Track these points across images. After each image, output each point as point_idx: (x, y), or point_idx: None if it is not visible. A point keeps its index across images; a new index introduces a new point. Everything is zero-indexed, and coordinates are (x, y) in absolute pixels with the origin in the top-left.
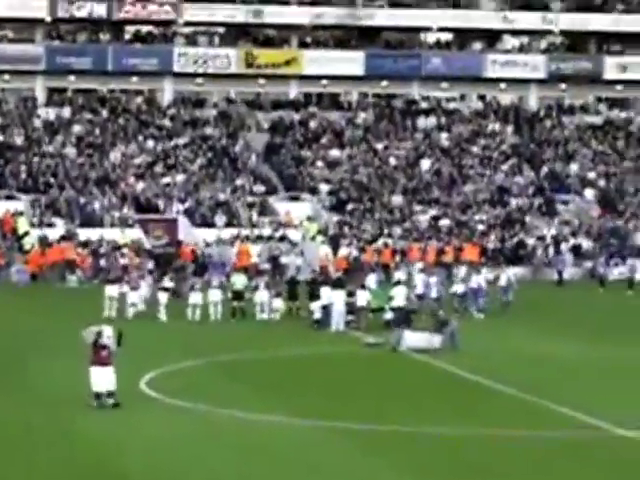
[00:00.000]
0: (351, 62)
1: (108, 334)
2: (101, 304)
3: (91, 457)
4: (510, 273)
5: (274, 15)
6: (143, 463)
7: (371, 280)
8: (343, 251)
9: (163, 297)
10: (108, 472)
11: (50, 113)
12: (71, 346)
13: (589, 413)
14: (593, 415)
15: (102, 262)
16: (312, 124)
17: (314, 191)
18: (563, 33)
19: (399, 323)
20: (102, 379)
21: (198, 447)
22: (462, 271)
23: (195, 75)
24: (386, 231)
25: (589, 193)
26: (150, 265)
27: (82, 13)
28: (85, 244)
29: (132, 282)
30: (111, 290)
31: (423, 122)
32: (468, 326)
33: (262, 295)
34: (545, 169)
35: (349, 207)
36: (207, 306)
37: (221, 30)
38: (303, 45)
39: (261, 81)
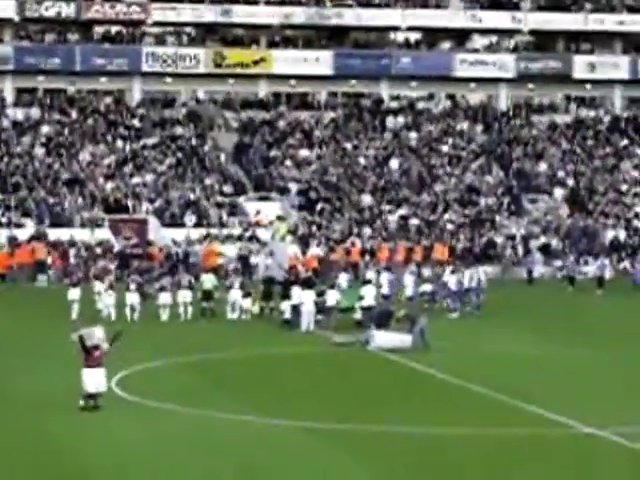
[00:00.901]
0: (320, 62)
1: (99, 335)
2: (68, 306)
3: (57, 456)
4: (482, 273)
5: (243, 15)
6: (110, 462)
7: (342, 279)
8: (313, 251)
9: (133, 298)
10: (72, 471)
11: (18, 113)
12: (43, 347)
13: (558, 411)
14: (563, 413)
15: (72, 262)
16: (281, 124)
17: (283, 191)
18: (532, 32)
19: (377, 323)
20: (93, 380)
21: (167, 447)
22: (447, 271)
23: (164, 75)
24: (355, 230)
25: (558, 192)
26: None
27: (50, 13)
28: (56, 245)
29: (110, 283)
30: (73, 293)
31: (392, 121)
32: (439, 325)
33: (235, 294)
34: (514, 168)
35: (318, 207)
36: (177, 306)
37: (190, 30)
38: (272, 45)
39: (230, 81)
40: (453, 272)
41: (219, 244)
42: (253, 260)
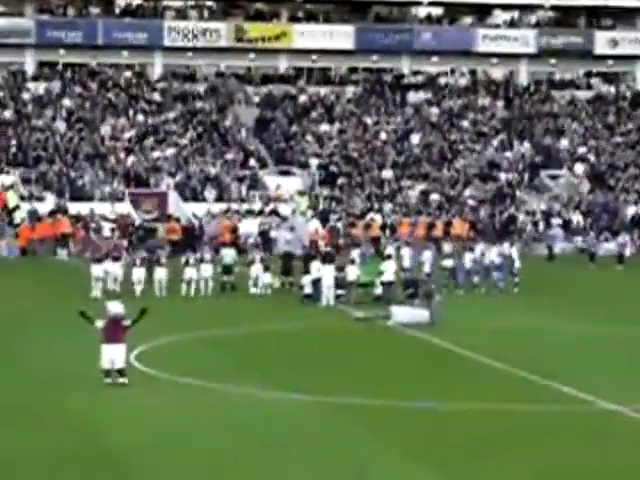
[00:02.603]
0: (341, 36)
1: (116, 310)
2: (88, 282)
3: (77, 431)
4: (494, 251)
5: None
6: (129, 437)
7: (354, 255)
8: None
9: (160, 273)
10: (93, 446)
11: (40, 87)
12: (62, 322)
13: (579, 388)
14: (583, 390)
15: (94, 237)
16: (302, 98)
17: (304, 165)
18: (553, 8)
19: (408, 293)
20: (108, 356)
21: (186, 421)
22: (479, 248)
23: (185, 49)
24: (376, 206)
25: (579, 168)
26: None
27: None
28: (78, 218)
29: (143, 259)
30: (96, 269)
31: (413, 96)
32: (462, 301)
33: (257, 269)
34: (535, 144)
35: (339, 182)
36: (198, 280)
37: (211, 4)
38: (293, 19)
39: (251, 55)
40: (471, 249)
41: (228, 219)
42: (273, 234)
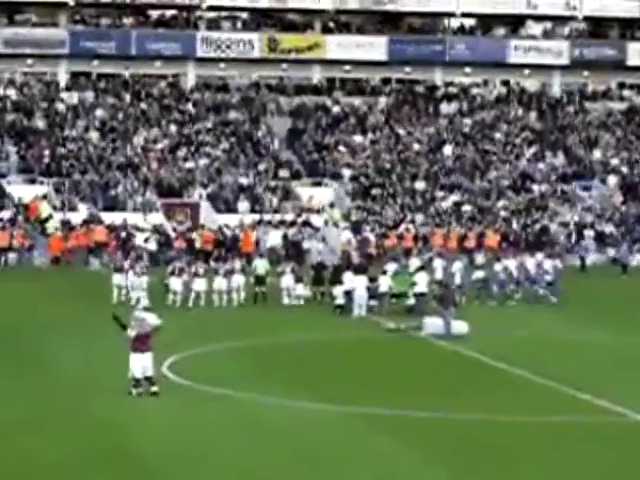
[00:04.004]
0: (374, 47)
1: (152, 322)
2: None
3: (109, 439)
4: (530, 262)
5: (297, 0)
6: (161, 446)
7: (390, 269)
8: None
9: (199, 284)
10: (125, 454)
11: (73, 97)
12: (91, 330)
13: (611, 399)
14: (615, 401)
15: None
16: (335, 109)
17: (337, 176)
18: (587, 19)
19: (446, 304)
20: (141, 365)
21: (218, 431)
22: (512, 259)
23: (218, 60)
24: (409, 217)
25: (612, 179)
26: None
27: None
28: (111, 228)
29: (181, 268)
30: (118, 278)
31: (446, 107)
32: (492, 312)
33: (288, 280)
34: (568, 155)
35: (372, 192)
36: (230, 291)
37: (244, 15)
38: (326, 30)
39: (284, 66)
40: (498, 260)
41: (253, 230)
42: (305, 245)
